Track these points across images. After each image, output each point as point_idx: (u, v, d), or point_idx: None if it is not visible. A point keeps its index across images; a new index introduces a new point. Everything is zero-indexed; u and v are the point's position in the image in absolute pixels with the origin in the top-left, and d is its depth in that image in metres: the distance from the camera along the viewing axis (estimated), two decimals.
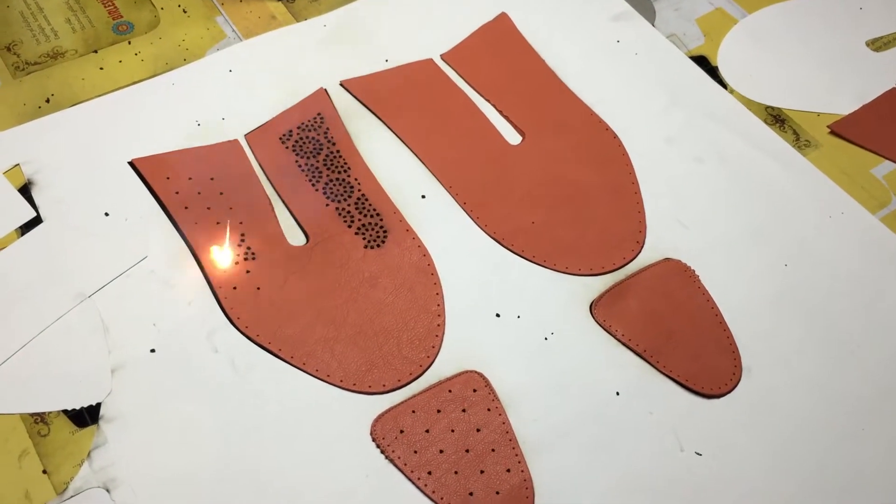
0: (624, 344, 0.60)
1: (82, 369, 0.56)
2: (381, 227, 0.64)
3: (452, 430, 0.55)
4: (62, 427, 0.54)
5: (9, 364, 0.56)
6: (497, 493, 0.53)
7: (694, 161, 0.70)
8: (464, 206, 0.66)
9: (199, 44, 0.76)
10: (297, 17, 0.79)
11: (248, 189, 0.66)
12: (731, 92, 0.76)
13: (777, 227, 0.66)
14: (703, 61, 0.78)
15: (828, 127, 0.74)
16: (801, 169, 0.70)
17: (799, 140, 0.73)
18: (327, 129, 0.70)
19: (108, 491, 0.51)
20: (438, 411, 0.56)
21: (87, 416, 0.54)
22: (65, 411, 0.54)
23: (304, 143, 0.69)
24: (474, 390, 0.57)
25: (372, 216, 0.65)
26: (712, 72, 0.77)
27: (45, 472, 0.52)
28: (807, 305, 0.62)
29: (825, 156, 0.72)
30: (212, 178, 0.65)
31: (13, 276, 0.60)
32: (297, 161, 0.67)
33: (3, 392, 0.55)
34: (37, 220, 0.63)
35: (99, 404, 0.55)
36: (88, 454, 0.53)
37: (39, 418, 0.54)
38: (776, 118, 0.74)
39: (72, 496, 0.51)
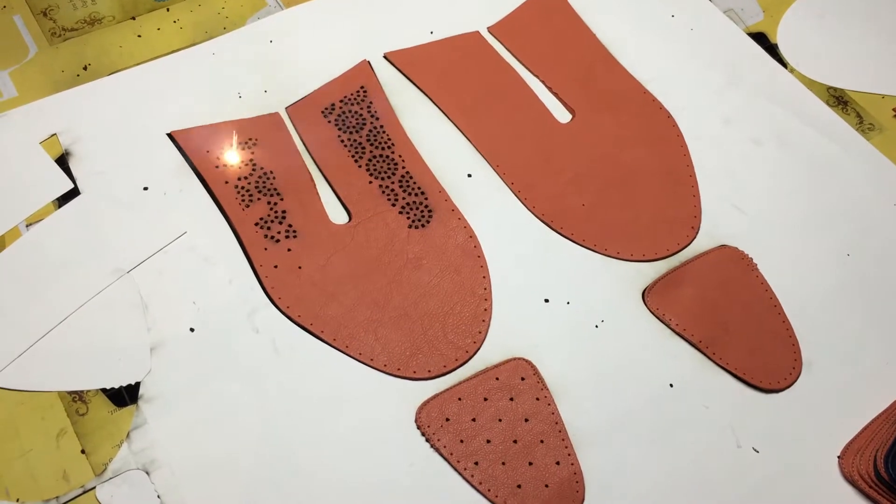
0: (678, 334, 0.57)
1: (121, 347, 0.55)
2: (426, 206, 0.62)
3: (500, 420, 0.53)
4: (101, 406, 0.53)
5: (46, 340, 0.54)
6: (546, 486, 0.51)
7: (752, 143, 0.67)
8: (511, 186, 0.64)
9: (239, 12, 0.73)
10: None
11: (290, 164, 0.64)
12: (792, 71, 0.73)
13: (838, 214, 0.64)
14: (761, 38, 0.75)
15: (893, 109, 0.70)
16: (864, 153, 0.67)
17: (862, 123, 0.69)
18: (370, 102, 0.67)
19: (147, 473, 0.50)
20: (485, 399, 0.54)
21: (126, 396, 0.53)
22: (103, 390, 0.53)
23: (346, 117, 0.66)
24: (522, 378, 0.55)
25: (416, 195, 0.63)
26: (771, 49, 0.74)
27: (83, 451, 0.51)
28: (870, 297, 0.60)
29: (890, 140, 0.68)
30: (252, 153, 0.64)
31: (50, 249, 0.58)
32: (339, 136, 0.65)
33: (41, 369, 0.53)
34: (74, 192, 0.61)
35: (138, 384, 0.53)
36: (128, 435, 0.51)
37: (78, 397, 0.53)
38: (839, 99, 0.71)
39: (111, 478, 0.50)
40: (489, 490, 0.51)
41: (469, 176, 0.64)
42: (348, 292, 0.58)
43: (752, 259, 0.61)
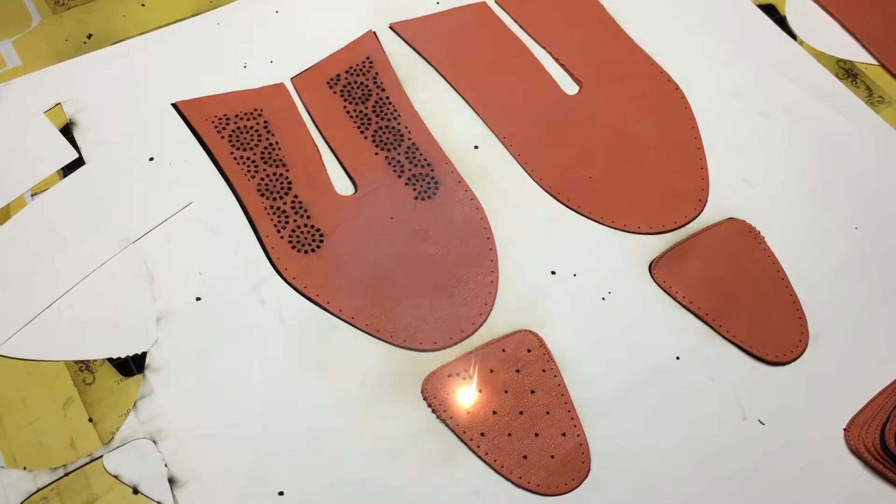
0: (684, 306, 0.57)
1: (127, 317, 0.55)
2: (433, 177, 0.62)
3: (506, 391, 0.53)
4: (107, 376, 0.53)
5: (52, 310, 0.54)
6: (552, 456, 0.51)
7: (760, 116, 0.67)
8: (518, 157, 0.64)
9: None
10: None
11: (295, 135, 0.63)
12: (801, 43, 0.72)
13: (847, 187, 0.63)
14: (771, 10, 0.74)
15: None
16: (873, 126, 0.67)
17: (872, 96, 0.69)
18: (376, 73, 0.67)
19: (154, 442, 0.50)
20: (491, 371, 0.54)
21: (132, 366, 0.53)
22: (110, 360, 0.53)
23: (352, 88, 0.66)
24: (529, 350, 0.55)
25: (423, 166, 0.62)
26: (781, 22, 0.73)
27: (90, 420, 0.51)
28: (877, 270, 0.60)
29: None
30: (258, 123, 0.63)
31: (55, 219, 0.58)
32: (345, 107, 0.65)
33: (48, 339, 0.53)
34: (79, 162, 0.61)
35: (144, 353, 0.53)
36: (134, 404, 0.52)
37: (84, 366, 0.53)
38: (848, 72, 0.70)
39: (118, 446, 0.50)
40: (495, 460, 0.51)
41: (475, 147, 0.64)
42: (354, 263, 0.58)
43: (759, 232, 0.60)
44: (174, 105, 0.64)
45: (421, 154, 0.63)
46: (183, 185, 0.60)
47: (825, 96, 0.68)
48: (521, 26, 0.71)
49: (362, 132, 0.64)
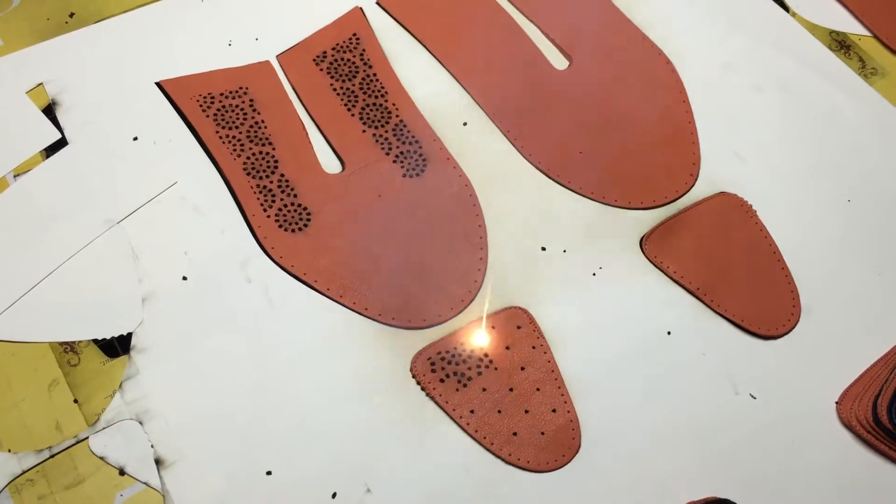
0: (676, 281, 0.57)
1: (112, 298, 0.54)
2: (421, 154, 0.61)
3: (496, 368, 0.53)
4: (92, 357, 0.52)
5: (36, 291, 0.54)
6: (542, 433, 0.51)
7: (752, 89, 0.66)
8: (507, 134, 0.63)
9: None
10: None
11: (281, 113, 0.62)
12: (793, 15, 0.71)
13: (840, 159, 0.63)
14: None
15: None
16: (866, 98, 0.66)
17: (865, 67, 0.68)
18: (363, 50, 0.66)
19: (140, 423, 0.50)
20: (481, 348, 0.53)
21: (118, 346, 0.52)
22: (95, 341, 0.53)
23: (338, 65, 0.65)
24: (518, 327, 0.54)
25: (410, 143, 0.62)
26: None
27: (76, 401, 0.50)
28: (870, 243, 0.59)
29: (892, 84, 0.67)
30: (243, 102, 0.62)
31: (39, 199, 0.58)
32: (331, 84, 0.64)
33: (32, 320, 0.53)
34: (62, 143, 0.60)
35: (130, 334, 0.53)
36: (120, 385, 0.51)
37: (69, 347, 0.52)
38: (841, 44, 0.69)
39: (104, 428, 0.50)
40: (485, 438, 0.50)
41: (464, 124, 0.63)
42: (342, 242, 0.57)
43: (751, 206, 0.60)
44: (158, 84, 0.63)
45: (409, 131, 0.62)
46: (168, 165, 0.59)
47: (818, 69, 0.67)
48: (510, 0, 0.70)
49: (349, 110, 0.63)
